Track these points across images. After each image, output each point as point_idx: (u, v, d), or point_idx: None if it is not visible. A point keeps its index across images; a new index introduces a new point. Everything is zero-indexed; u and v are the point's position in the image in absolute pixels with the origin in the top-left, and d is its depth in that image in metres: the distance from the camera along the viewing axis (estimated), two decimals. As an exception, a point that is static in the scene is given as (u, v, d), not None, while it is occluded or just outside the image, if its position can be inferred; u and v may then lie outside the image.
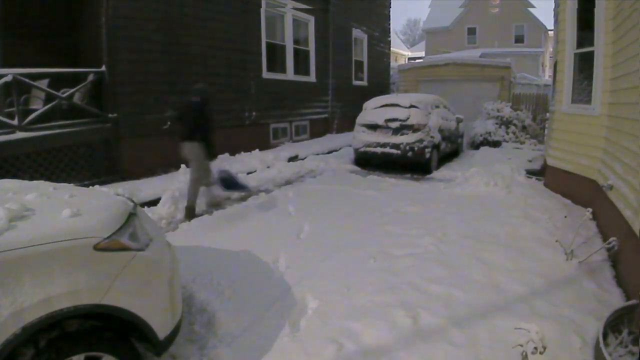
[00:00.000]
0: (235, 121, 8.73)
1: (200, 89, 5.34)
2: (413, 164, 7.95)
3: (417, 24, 60.14)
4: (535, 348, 2.38)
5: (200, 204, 5.61)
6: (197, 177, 5.28)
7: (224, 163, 6.33)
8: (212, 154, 5.28)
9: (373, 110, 8.44)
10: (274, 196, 6.08)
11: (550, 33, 25.26)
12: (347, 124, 11.36)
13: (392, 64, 17.76)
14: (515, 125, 11.89)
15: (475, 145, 11.30)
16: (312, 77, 11.25)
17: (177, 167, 6.78)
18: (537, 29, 29.35)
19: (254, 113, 9.10)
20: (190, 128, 5.15)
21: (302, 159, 8.62)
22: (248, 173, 7.21)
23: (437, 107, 8.74)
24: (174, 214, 5.27)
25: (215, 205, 5.65)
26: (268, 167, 7.74)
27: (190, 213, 5.17)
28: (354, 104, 11.36)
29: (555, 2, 6.87)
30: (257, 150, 8.60)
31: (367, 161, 8.47)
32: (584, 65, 5.36)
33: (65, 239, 1.75)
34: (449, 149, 9.26)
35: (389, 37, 15.76)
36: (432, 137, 7.91)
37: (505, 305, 2.92)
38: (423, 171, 7.94)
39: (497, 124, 11.72)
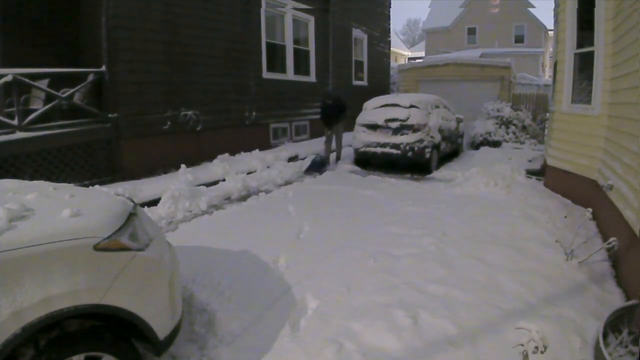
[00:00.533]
0: (235, 121, 8.74)
1: (329, 94, 9.13)
2: (413, 164, 7.95)
3: (417, 24, 60.18)
4: (537, 347, 2.38)
5: (201, 204, 5.61)
6: (341, 139, 8.80)
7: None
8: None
9: (373, 110, 8.44)
10: (274, 196, 6.09)
11: (550, 33, 25.27)
12: (347, 124, 11.35)
13: (392, 64, 17.76)
14: (515, 125, 11.90)
15: (475, 145, 11.30)
16: (312, 77, 11.25)
17: (177, 167, 6.79)
18: (537, 29, 29.37)
19: (254, 113, 9.10)
20: (334, 116, 8.51)
21: (302, 159, 8.61)
22: (248, 173, 7.22)
23: (437, 107, 8.74)
24: (173, 214, 5.27)
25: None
26: (268, 167, 7.74)
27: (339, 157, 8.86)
28: (354, 104, 11.35)
29: (555, 2, 6.87)
30: (257, 150, 8.61)
31: (367, 161, 8.47)
32: (584, 65, 5.36)
33: (65, 239, 1.75)
34: (449, 149, 9.26)
35: (389, 37, 15.76)
36: (432, 137, 7.91)
37: (505, 305, 2.92)
38: (423, 171, 7.94)
39: (497, 124, 11.72)
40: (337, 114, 8.44)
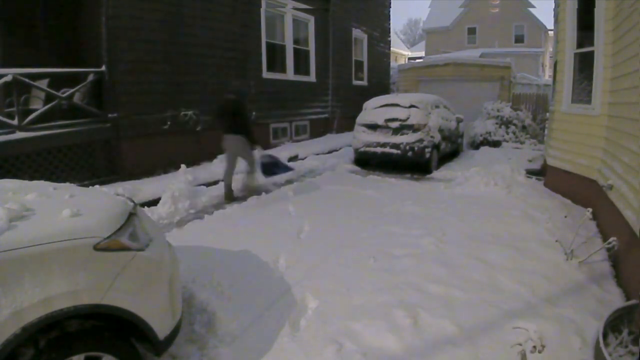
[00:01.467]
0: (235, 121, 8.72)
1: (235, 89, 6.01)
2: (413, 164, 7.95)
3: (417, 24, 60.17)
4: (534, 347, 2.38)
5: (203, 202, 5.61)
6: (230, 167, 5.97)
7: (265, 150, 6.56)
8: (253, 142, 5.81)
9: (373, 110, 8.44)
10: (274, 196, 6.08)
11: (550, 33, 25.26)
12: (347, 124, 11.36)
13: (392, 64, 17.75)
14: (515, 125, 11.89)
15: (475, 145, 11.30)
16: (312, 77, 11.24)
17: (177, 167, 6.78)
18: (537, 29, 29.36)
19: (254, 113, 9.10)
20: (229, 123, 5.72)
21: (302, 159, 8.63)
22: (248, 173, 7.21)
23: (437, 107, 8.74)
24: (173, 214, 5.27)
25: (251, 191, 6.08)
26: (268, 167, 7.73)
27: (230, 196, 5.93)
28: (354, 104, 11.36)
29: (555, 2, 6.87)
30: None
31: (367, 161, 8.47)
32: (584, 65, 5.36)
33: (65, 239, 1.75)
34: (449, 149, 9.26)
35: (389, 37, 15.76)
36: (432, 137, 7.91)
37: (505, 305, 2.92)
38: (423, 171, 7.94)
39: (497, 124, 11.72)
40: (232, 116, 5.67)
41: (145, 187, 5.97)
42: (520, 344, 2.38)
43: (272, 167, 6.05)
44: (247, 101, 6.26)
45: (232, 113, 5.67)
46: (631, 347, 2.32)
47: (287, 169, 6.34)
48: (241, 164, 6.04)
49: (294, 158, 8.64)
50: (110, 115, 6.42)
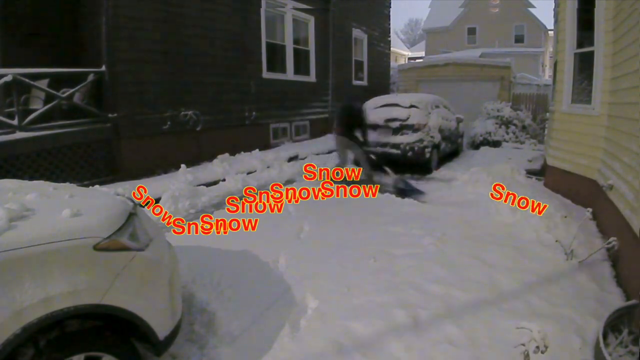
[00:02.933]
0: (235, 121, 8.74)
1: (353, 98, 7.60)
2: (413, 164, 7.95)
3: (417, 24, 60.16)
4: (537, 347, 2.38)
5: (203, 202, 5.60)
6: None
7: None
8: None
9: (373, 110, 8.43)
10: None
11: (550, 33, 25.27)
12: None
13: (392, 64, 17.74)
14: (515, 125, 11.90)
15: (475, 145, 11.31)
16: (312, 77, 11.24)
17: (177, 167, 6.79)
18: (537, 29, 29.37)
19: (254, 113, 9.10)
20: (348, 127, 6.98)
21: (302, 159, 8.62)
22: (248, 173, 7.22)
23: (437, 107, 8.73)
24: (173, 213, 5.26)
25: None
26: (268, 167, 7.74)
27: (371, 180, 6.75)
28: (354, 104, 11.33)
29: (555, 2, 6.88)
30: (257, 150, 8.61)
31: (367, 161, 8.45)
32: (584, 65, 5.36)
33: (65, 239, 1.75)
34: (449, 149, 9.26)
35: (389, 37, 15.76)
36: (432, 137, 7.91)
37: (505, 305, 2.92)
38: (423, 171, 7.94)
39: (497, 124, 11.72)
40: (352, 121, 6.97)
41: (145, 187, 5.96)
42: (523, 344, 2.38)
43: (405, 192, 6.16)
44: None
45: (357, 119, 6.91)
46: (631, 347, 2.32)
47: (418, 192, 6.18)
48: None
49: (294, 158, 8.64)
50: (110, 115, 6.42)
